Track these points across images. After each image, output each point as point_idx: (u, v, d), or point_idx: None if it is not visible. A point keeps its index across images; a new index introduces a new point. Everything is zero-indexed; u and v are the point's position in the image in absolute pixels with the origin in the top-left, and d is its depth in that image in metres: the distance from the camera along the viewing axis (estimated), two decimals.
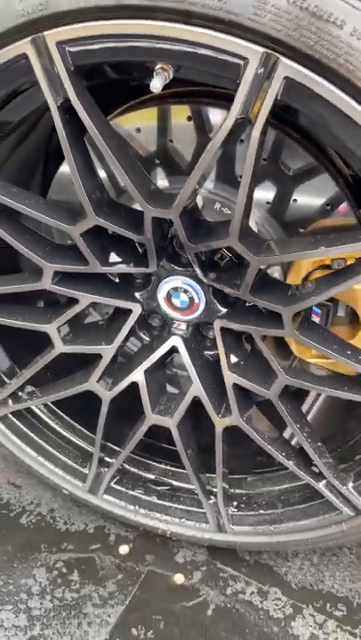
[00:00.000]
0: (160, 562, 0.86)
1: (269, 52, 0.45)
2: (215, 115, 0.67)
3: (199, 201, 0.65)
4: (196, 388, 0.74)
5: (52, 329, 0.74)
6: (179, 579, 0.84)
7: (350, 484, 0.70)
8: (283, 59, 0.45)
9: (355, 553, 0.87)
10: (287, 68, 0.46)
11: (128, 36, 0.50)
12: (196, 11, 0.46)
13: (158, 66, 0.53)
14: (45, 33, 0.51)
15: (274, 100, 0.47)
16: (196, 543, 0.86)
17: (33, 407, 0.87)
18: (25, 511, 0.94)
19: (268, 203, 0.70)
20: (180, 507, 0.85)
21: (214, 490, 0.80)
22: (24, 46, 0.52)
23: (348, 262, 0.63)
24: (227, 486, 0.81)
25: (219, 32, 0.46)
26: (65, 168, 0.77)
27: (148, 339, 0.79)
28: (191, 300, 0.72)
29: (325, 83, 0.46)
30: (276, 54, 0.46)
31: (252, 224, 0.68)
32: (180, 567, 0.86)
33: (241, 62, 0.47)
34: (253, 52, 0.46)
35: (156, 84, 0.53)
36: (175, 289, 0.72)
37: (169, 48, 0.49)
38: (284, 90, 0.47)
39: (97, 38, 0.51)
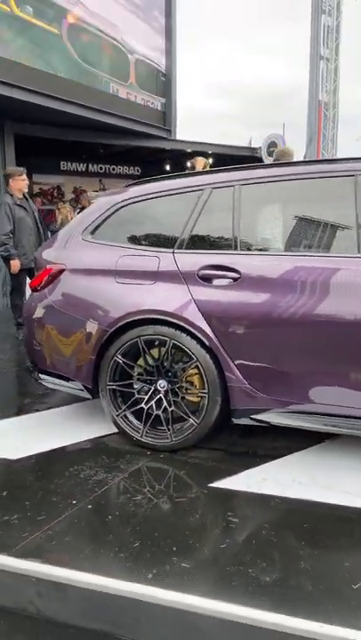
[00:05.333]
0: (155, 456, 3.37)
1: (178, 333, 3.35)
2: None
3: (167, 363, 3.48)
4: (166, 403, 3.43)
5: (135, 390, 3.49)
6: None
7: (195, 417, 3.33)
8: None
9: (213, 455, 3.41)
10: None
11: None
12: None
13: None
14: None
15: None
16: (166, 448, 3.39)
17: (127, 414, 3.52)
18: (117, 448, 3.49)
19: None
20: (161, 434, 3.37)
21: (170, 428, 3.40)
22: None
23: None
24: (171, 426, 3.40)
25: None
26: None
27: (155, 394, 3.49)
28: (164, 385, 3.48)
29: (183, 336, 3.34)
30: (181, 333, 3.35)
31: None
32: (162, 454, 3.38)
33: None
34: (173, 331, 3.36)
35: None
36: (162, 382, 3.49)
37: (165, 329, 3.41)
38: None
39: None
